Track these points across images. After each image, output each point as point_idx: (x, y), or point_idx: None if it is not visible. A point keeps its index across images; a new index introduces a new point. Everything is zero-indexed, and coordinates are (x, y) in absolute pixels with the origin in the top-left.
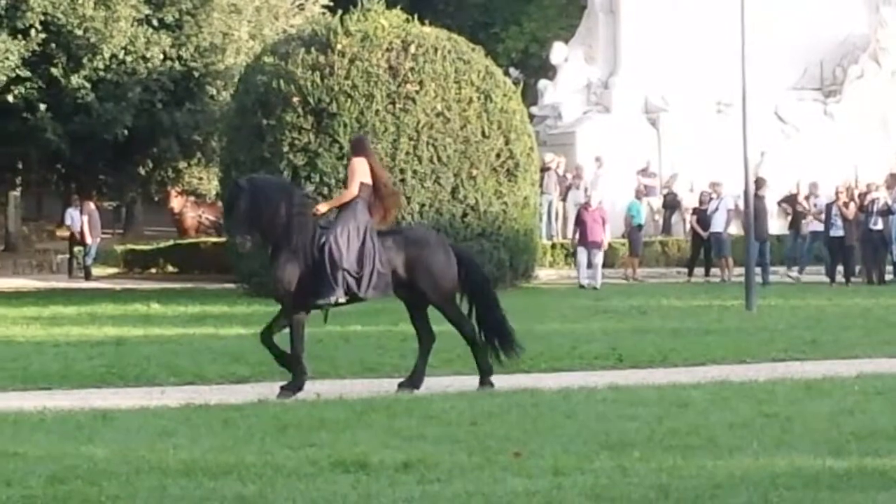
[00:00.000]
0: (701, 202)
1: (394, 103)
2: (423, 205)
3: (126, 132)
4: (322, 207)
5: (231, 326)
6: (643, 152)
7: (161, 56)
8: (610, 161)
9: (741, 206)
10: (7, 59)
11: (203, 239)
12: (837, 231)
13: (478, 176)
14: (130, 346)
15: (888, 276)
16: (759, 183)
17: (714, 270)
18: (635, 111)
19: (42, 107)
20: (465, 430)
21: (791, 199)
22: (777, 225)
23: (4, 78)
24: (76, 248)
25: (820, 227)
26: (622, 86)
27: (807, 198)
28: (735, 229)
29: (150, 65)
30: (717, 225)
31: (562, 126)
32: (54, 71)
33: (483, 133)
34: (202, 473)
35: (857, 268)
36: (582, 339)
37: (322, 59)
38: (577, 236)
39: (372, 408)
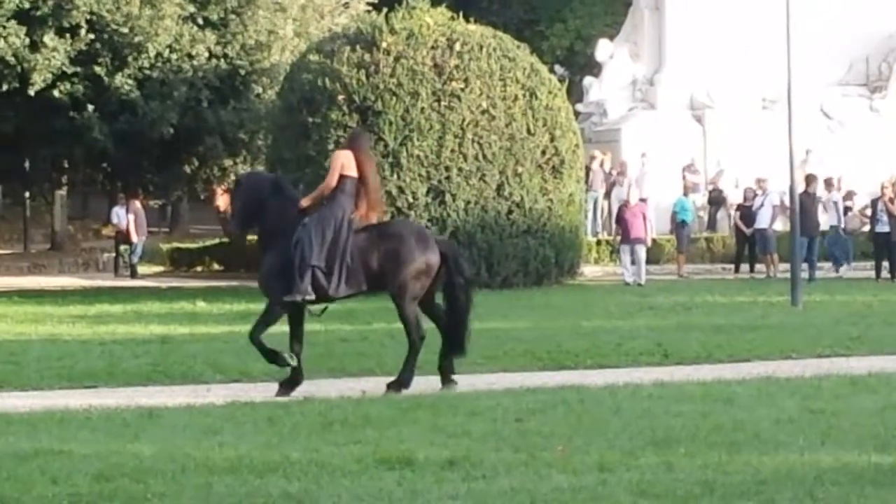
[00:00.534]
0: (745, 198)
1: (439, 101)
2: (468, 202)
3: (171, 130)
4: (304, 202)
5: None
6: (688, 149)
7: (206, 54)
8: (655, 158)
9: (787, 202)
10: (54, 57)
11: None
12: (883, 227)
13: (523, 173)
14: (176, 344)
15: None
16: (810, 180)
17: (760, 267)
18: (681, 108)
19: (90, 107)
20: (511, 427)
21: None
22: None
23: (51, 76)
24: (122, 247)
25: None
26: (667, 82)
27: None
28: (780, 225)
29: (195, 63)
30: (763, 221)
31: (607, 123)
32: (99, 70)
33: (528, 130)
34: (247, 471)
35: None
36: (627, 335)
37: (367, 56)
38: (620, 234)
39: (417, 405)
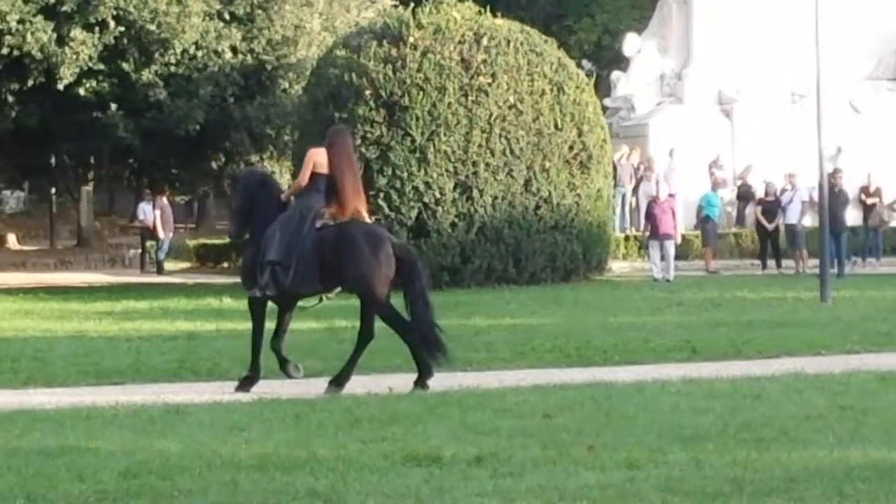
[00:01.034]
0: (766, 193)
1: (466, 96)
2: (495, 197)
3: (198, 127)
4: (283, 198)
5: (302, 320)
6: (716, 144)
7: (232, 50)
8: (683, 152)
9: (815, 197)
10: (82, 50)
11: None
12: None
13: (550, 168)
14: (203, 341)
15: None
16: (836, 174)
17: (788, 262)
18: (709, 102)
19: (115, 105)
20: (538, 424)
21: (864, 190)
22: (853, 216)
23: (78, 70)
24: (148, 243)
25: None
26: (695, 77)
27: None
28: (809, 221)
29: (221, 59)
30: (792, 216)
31: (635, 118)
32: (126, 66)
33: (556, 125)
34: (274, 467)
35: None
36: (655, 331)
37: (394, 51)
38: (649, 229)
39: (444, 401)
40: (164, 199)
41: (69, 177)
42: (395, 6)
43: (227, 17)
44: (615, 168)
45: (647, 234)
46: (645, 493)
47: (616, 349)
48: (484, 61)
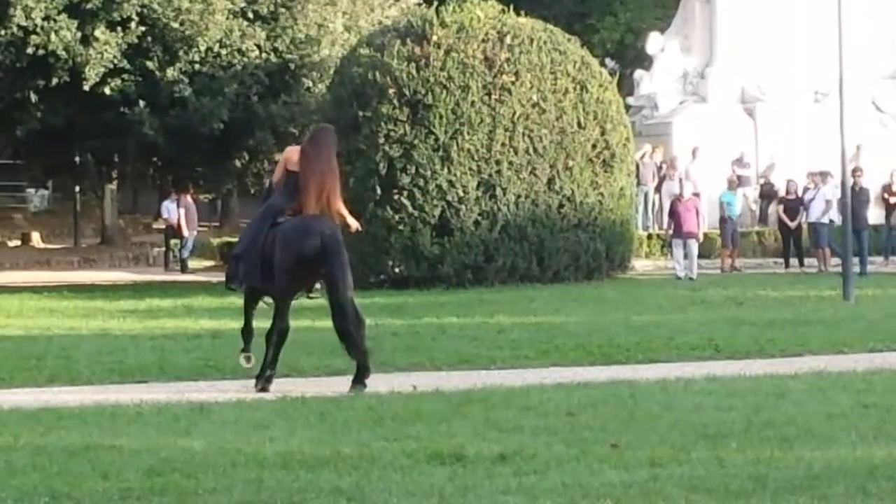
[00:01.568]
0: (787, 191)
1: (489, 94)
2: (518, 196)
3: (222, 125)
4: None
5: (327, 319)
6: (740, 142)
7: (256, 49)
8: (706, 151)
9: (839, 195)
10: (106, 50)
11: None
12: None
13: (574, 167)
14: (227, 339)
15: None
16: (857, 172)
17: (811, 261)
18: (732, 101)
19: (140, 102)
20: (562, 422)
21: (887, 189)
22: (876, 214)
23: (103, 69)
24: (172, 241)
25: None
26: (718, 75)
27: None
28: (837, 218)
29: (245, 58)
30: (815, 214)
31: (658, 116)
32: (150, 64)
33: (579, 124)
34: (298, 466)
35: None
36: (678, 329)
37: (418, 50)
38: (672, 228)
39: (468, 399)
40: (189, 198)
41: (93, 175)
42: (419, 5)
43: (250, 15)
44: (638, 167)
45: (671, 232)
46: (668, 492)
47: (639, 347)
48: (507, 60)
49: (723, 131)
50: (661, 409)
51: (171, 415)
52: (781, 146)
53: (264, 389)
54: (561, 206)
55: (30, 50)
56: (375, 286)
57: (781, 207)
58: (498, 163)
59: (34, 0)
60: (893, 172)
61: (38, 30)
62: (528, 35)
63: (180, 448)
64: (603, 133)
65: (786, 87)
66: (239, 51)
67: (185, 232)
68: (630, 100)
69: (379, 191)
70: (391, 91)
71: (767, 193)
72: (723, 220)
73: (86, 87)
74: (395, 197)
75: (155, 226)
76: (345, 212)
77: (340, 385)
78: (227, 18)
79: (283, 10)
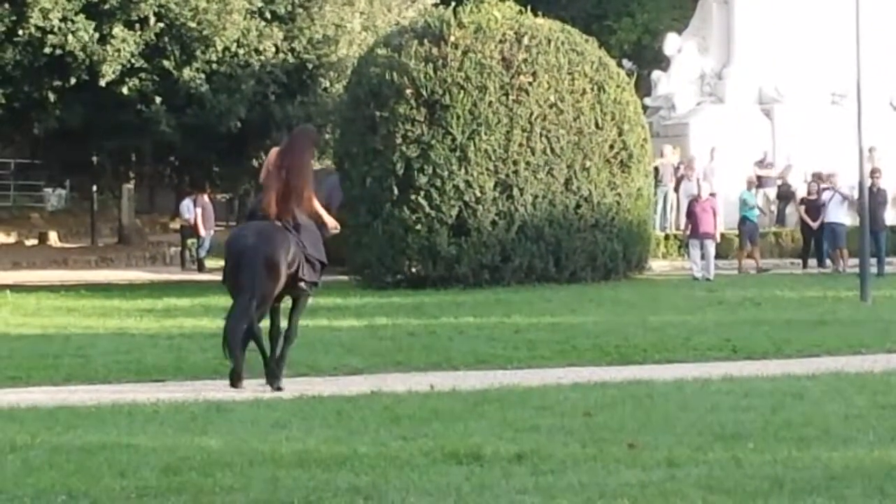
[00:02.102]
0: (809, 192)
1: (507, 95)
2: (536, 196)
3: (239, 125)
4: None
5: (344, 318)
6: (757, 143)
7: (273, 49)
8: (723, 152)
9: (856, 196)
10: (123, 48)
11: None
12: None
13: (591, 167)
14: None
15: None
16: (875, 173)
17: (828, 261)
18: (749, 102)
19: (157, 100)
20: (579, 422)
21: None
22: (893, 215)
23: (121, 67)
24: (189, 241)
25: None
26: (736, 76)
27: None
28: (850, 220)
29: (262, 57)
30: (832, 215)
31: (675, 117)
32: (167, 63)
33: (596, 124)
34: (315, 464)
35: None
36: (695, 330)
37: (435, 50)
38: (689, 228)
39: (485, 399)
40: (206, 197)
41: (110, 174)
42: (436, 5)
43: (268, 15)
44: (656, 168)
45: (688, 232)
46: (685, 492)
47: (656, 348)
48: (525, 60)
49: (740, 132)
50: (678, 410)
51: (187, 413)
52: (798, 147)
53: (278, 389)
54: (578, 206)
55: (47, 50)
56: (392, 286)
57: (804, 208)
58: (515, 163)
59: (51, 1)
60: None
61: (56, 30)
62: (545, 36)
63: (197, 447)
64: (620, 134)
65: (803, 89)
66: (256, 50)
67: (202, 231)
68: (647, 100)
69: (396, 191)
70: (408, 91)
71: (784, 194)
72: (741, 222)
73: (102, 84)
74: (413, 197)
75: (172, 225)
76: (321, 211)
77: (357, 384)
78: (245, 18)
79: (300, 9)
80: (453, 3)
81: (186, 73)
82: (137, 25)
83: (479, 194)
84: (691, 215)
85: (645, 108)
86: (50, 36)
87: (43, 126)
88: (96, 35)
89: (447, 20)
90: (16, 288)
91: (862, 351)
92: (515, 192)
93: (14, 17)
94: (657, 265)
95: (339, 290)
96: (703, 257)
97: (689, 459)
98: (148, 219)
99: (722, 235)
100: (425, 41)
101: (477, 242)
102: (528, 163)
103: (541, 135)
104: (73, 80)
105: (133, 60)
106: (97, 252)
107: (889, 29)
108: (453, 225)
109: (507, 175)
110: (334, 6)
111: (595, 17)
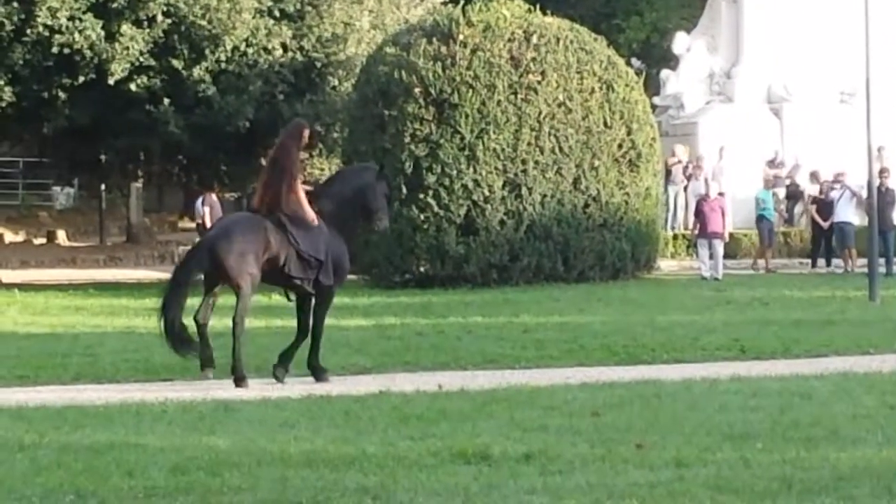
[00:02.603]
0: (821, 191)
1: (515, 94)
2: (544, 195)
3: (247, 124)
4: None
5: (352, 318)
6: (766, 142)
7: (282, 47)
8: (732, 151)
9: (864, 196)
10: (132, 46)
11: None
12: None
13: (600, 166)
14: (252, 337)
15: None
16: (884, 173)
17: (837, 261)
18: (758, 101)
19: (166, 100)
20: (587, 422)
21: None
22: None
23: (129, 65)
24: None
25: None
26: (745, 75)
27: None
28: (859, 219)
29: (271, 56)
30: (841, 215)
31: (684, 116)
32: (176, 63)
33: (605, 123)
34: (323, 464)
35: None
36: (704, 330)
37: (444, 49)
38: (697, 228)
39: (493, 399)
40: (214, 196)
41: (119, 173)
42: (445, 4)
43: (277, 14)
44: (666, 167)
45: (696, 232)
46: (693, 492)
47: (664, 347)
48: (533, 59)
49: (749, 131)
50: (686, 410)
51: (196, 413)
52: (807, 146)
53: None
54: (586, 205)
55: (55, 49)
56: (401, 285)
57: (814, 207)
58: (524, 162)
59: (59, 0)
60: None
61: (63, 29)
62: (554, 34)
63: (205, 446)
64: (629, 133)
65: (812, 88)
66: (265, 49)
67: None
68: (656, 99)
69: (405, 190)
70: (417, 90)
71: (793, 194)
72: (758, 220)
73: (111, 82)
74: (421, 196)
75: (180, 224)
76: (304, 206)
77: (366, 384)
78: (254, 17)
79: (309, 8)
80: (462, 2)
81: (196, 72)
82: (146, 24)
83: (487, 193)
84: (700, 215)
85: (654, 107)
86: (58, 35)
87: (51, 125)
88: (104, 33)
89: (456, 19)
90: (24, 287)
91: (870, 351)
92: (524, 191)
93: (22, 16)
94: (665, 265)
95: (347, 290)
96: (711, 257)
97: (698, 459)
98: (156, 217)
99: (731, 235)
100: (434, 40)
101: (485, 242)
102: (536, 162)
103: (549, 134)
104: (81, 79)
105: (141, 59)
106: (105, 251)
107: None
108: (462, 224)
109: (516, 174)
110: (343, 4)
111: (604, 16)
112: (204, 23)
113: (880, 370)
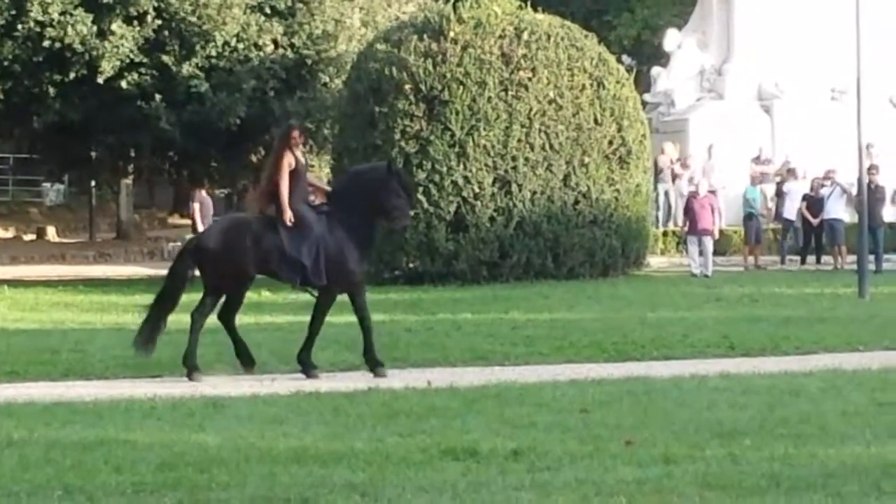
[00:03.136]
0: (811, 188)
1: (506, 90)
2: (534, 192)
3: (238, 120)
4: None
5: (341, 314)
6: (756, 139)
7: (273, 44)
8: (723, 148)
9: (854, 192)
10: (122, 44)
11: None
12: None
13: (590, 163)
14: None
15: None
16: (872, 170)
17: (827, 258)
18: (748, 98)
19: (157, 97)
20: (576, 418)
21: None
22: (891, 212)
23: (119, 63)
24: (187, 236)
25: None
26: (735, 72)
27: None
28: (848, 216)
29: (262, 53)
30: (831, 212)
31: (675, 113)
32: (167, 59)
33: (595, 120)
34: (312, 461)
35: None
36: (693, 326)
37: (434, 46)
38: (687, 225)
39: (482, 395)
40: (204, 193)
41: (109, 170)
42: (436, 0)
43: (267, 10)
44: (656, 163)
45: (686, 229)
46: (682, 489)
47: (654, 344)
48: (524, 56)
49: (739, 128)
50: (675, 406)
51: (184, 409)
52: (798, 143)
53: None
54: (576, 202)
55: (46, 43)
56: (390, 282)
57: (804, 204)
58: (514, 159)
59: None
60: None
61: (54, 23)
62: (545, 31)
63: (194, 443)
64: (619, 130)
65: (803, 85)
66: (256, 45)
67: (200, 227)
68: (647, 96)
69: None
70: (408, 87)
71: (783, 191)
72: (747, 217)
73: (100, 80)
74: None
75: (170, 220)
76: (283, 202)
77: (355, 380)
78: (245, 13)
79: (300, 5)
80: None
81: (186, 68)
82: (136, 20)
83: (477, 190)
84: (690, 212)
85: (644, 104)
86: (49, 29)
87: (42, 120)
88: (94, 28)
89: (447, 15)
90: (14, 283)
91: (860, 348)
92: (514, 187)
93: (13, 11)
94: (655, 261)
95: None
96: (701, 254)
97: (686, 456)
98: (146, 214)
99: (721, 232)
100: (425, 36)
101: (475, 238)
102: (526, 159)
103: (540, 130)
104: (72, 75)
105: (132, 55)
106: (95, 247)
107: (889, 26)
108: (451, 221)
109: (506, 171)
110: (334, 1)
111: (595, 13)
112: (194, 19)
113: (869, 367)
